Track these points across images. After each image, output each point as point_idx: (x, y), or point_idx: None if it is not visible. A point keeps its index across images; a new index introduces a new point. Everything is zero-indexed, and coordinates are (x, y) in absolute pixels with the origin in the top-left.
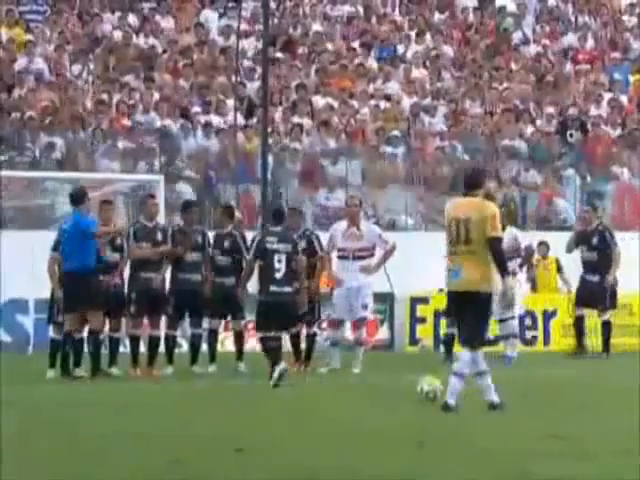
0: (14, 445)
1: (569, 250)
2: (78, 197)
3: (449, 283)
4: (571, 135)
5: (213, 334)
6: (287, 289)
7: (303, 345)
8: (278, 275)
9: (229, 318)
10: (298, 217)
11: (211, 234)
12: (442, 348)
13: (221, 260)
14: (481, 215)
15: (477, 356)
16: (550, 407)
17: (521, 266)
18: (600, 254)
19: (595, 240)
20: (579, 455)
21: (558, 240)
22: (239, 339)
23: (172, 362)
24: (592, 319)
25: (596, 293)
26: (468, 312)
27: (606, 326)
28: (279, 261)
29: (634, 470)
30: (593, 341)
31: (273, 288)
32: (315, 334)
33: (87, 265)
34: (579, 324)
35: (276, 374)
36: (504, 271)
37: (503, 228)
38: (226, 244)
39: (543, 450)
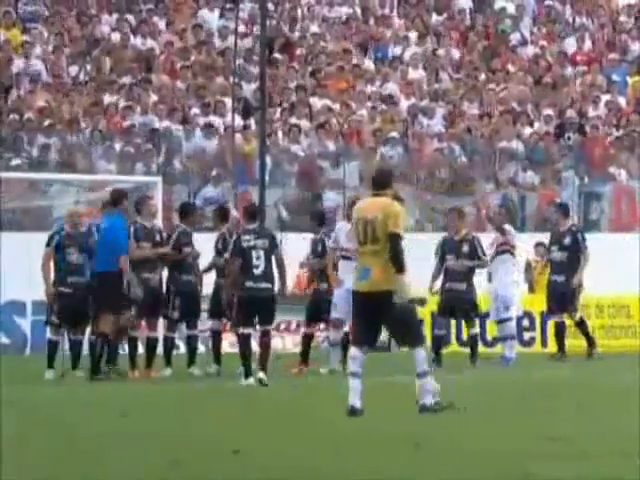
0: (14, 446)
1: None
2: (118, 198)
3: (357, 284)
4: (569, 138)
5: (217, 335)
6: (264, 285)
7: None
8: (256, 271)
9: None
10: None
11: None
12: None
13: (217, 261)
14: (387, 214)
15: (421, 355)
16: (549, 408)
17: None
18: (570, 255)
19: (567, 241)
20: (578, 456)
21: None
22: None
23: (170, 364)
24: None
25: (564, 295)
26: (388, 314)
27: (579, 326)
28: (257, 258)
29: (634, 471)
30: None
31: (249, 284)
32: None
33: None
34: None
35: (263, 376)
36: (400, 268)
37: (500, 228)
38: (219, 245)
39: (542, 451)
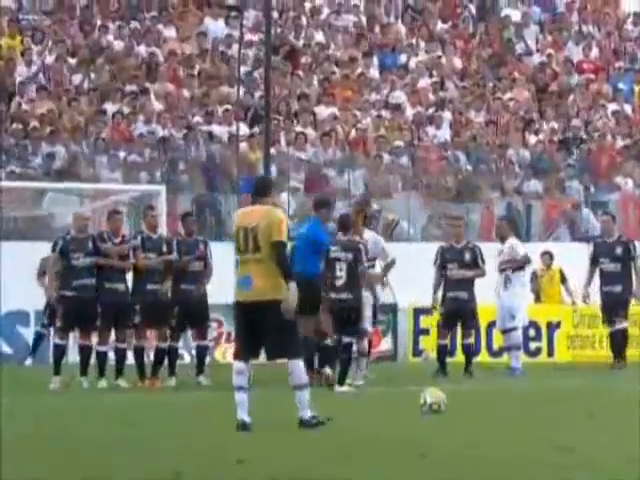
0: (14, 454)
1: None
2: (322, 202)
3: (239, 293)
4: (575, 147)
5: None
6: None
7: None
8: (338, 283)
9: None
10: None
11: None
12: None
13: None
14: (268, 222)
15: (297, 367)
16: (555, 417)
17: (513, 270)
18: (623, 265)
19: (618, 251)
20: (583, 465)
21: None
22: None
23: (175, 374)
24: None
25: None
26: (273, 323)
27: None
28: (340, 269)
29: None
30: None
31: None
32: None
33: (315, 272)
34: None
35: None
36: (287, 277)
37: (504, 239)
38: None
39: (547, 460)
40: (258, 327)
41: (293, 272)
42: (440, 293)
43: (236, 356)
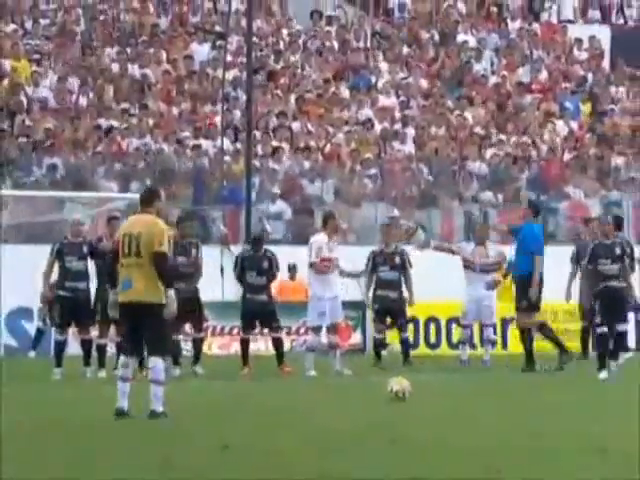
0: (14, 444)
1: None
2: (538, 207)
3: (121, 294)
4: (527, 159)
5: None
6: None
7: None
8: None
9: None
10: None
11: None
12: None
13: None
14: (150, 231)
15: (158, 364)
16: (518, 406)
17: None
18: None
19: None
20: (547, 452)
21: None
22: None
23: (179, 364)
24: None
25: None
26: (146, 323)
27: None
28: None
29: (604, 468)
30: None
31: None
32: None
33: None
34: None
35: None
36: (168, 285)
37: (483, 243)
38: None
39: (512, 447)
40: (138, 325)
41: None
42: (371, 292)
43: (123, 351)
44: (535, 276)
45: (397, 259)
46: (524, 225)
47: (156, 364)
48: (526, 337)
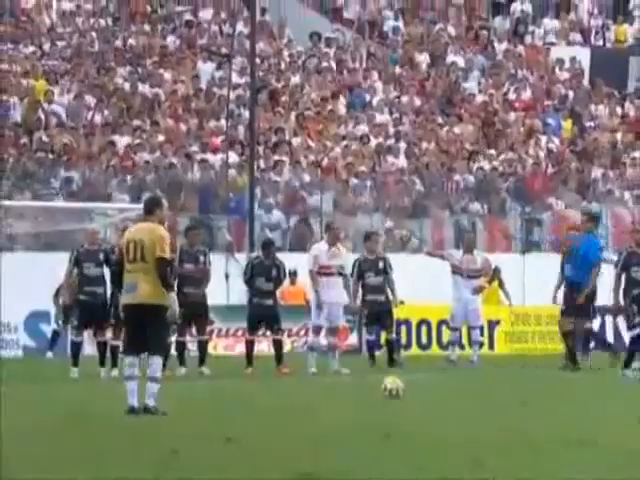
0: (36, 441)
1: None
2: (592, 220)
3: (126, 296)
4: (512, 173)
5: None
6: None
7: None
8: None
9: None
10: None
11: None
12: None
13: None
14: (152, 237)
15: (156, 363)
16: (503, 403)
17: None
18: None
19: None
20: (527, 445)
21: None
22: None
23: (184, 364)
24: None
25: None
26: (149, 324)
27: None
28: None
29: (579, 460)
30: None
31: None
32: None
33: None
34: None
35: None
36: (167, 287)
37: (470, 251)
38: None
39: (497, 440)
40: (142, 326)
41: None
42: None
43: (126, 351)
44: (590, 286)
45: (380, 264)
46: (586, 238)
47: (155, 363)
48: (572, 339)
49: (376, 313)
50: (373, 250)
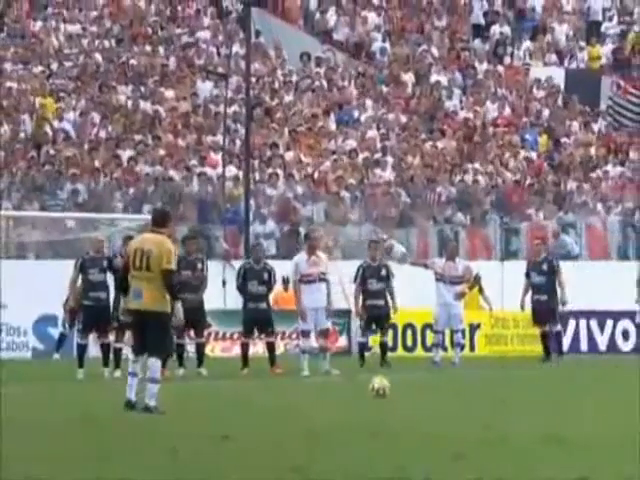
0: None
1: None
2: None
3: (131, 303)
4: (493, 186)
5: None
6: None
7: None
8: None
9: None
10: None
11: None
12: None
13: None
14: (160, 249)
15: (155, 365)
16: (483, 401)
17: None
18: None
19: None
20: (508, 443)
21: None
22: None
23: (183, 365)
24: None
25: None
26: (151, 328)
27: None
28: None
29: (559, 455)
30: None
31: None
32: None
33: None
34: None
35: None
36: (174, 297)
37: (453, 258)
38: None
39: (476, 436)
40: (144, 330)
41: None
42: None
43: (133, 351)
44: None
45: (383, 271)
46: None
47: (154, 365)
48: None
49: (375, 317)
50: (375, 257)
